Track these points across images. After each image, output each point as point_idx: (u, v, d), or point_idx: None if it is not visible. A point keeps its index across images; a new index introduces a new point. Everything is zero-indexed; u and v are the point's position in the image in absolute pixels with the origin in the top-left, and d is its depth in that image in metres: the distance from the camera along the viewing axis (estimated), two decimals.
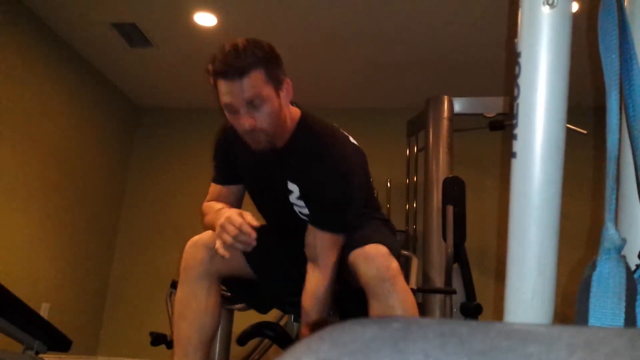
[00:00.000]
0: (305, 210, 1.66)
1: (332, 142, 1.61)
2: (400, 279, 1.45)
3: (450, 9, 3.38)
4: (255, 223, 1.49)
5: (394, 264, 1.46)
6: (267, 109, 1.49)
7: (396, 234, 1.83)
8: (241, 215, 1.50)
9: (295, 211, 1.68)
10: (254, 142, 1.54)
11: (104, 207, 4.58)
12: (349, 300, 1.70)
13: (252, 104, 1.47)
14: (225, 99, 1.48)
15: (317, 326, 1.50)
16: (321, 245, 1.58)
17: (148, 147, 4.95)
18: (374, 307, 1.43)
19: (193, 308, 1.59)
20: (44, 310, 3.77)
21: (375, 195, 2.09)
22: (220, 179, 1.78)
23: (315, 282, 1.57)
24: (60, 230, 4.03)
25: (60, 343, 2.42)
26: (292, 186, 1.64)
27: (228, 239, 1.46)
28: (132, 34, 3.84)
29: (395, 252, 1.50)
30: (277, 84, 1.52)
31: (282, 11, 3.50)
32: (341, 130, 1.70)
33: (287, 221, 1.72)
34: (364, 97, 4.59)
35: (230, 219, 1.47)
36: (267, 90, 1.48)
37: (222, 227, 1.48)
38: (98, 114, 4.49)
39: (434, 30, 3.61)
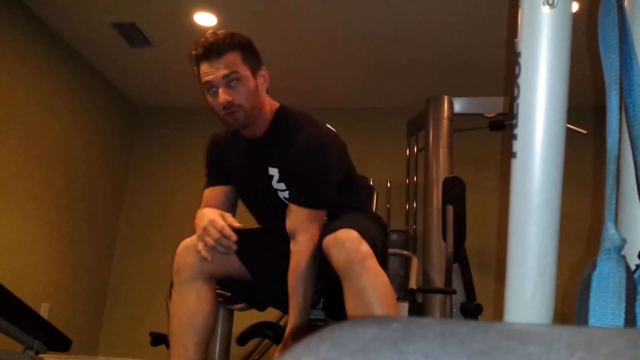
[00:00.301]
0: (286, 193, 1.70)
1: (308, 122, 1.69)
2: (372, 260, 1.46)
3: (450, 9, 3.38)
4: (236, 225, 1.53)
5: (364, 247, 1.46)
6: (243, 86, 1.60)
7: (383, 227, 1.81)
8: (223, 217, 1.54)
9: (280, 197, 1.70)
10: (232, 119, 1.61)
11: (104, 207, 4.58)
12: (332, 290, 1.71)
13: (230, 81, 1.58)
14: (205, 78, 1.60)
15: (300, 333, 1.50)
16: (299, 220, 1.60)
17: (148, 147, 4.95)
18: (346, 291, 1.45)
19: (184, 310, 1.61)
20: (44, 310, 3.77)
21: (361, 189, 2.09)
22: (211, 182, 1.82)
23: (297, 258, 1.58)
24: (60, 230, 4.03)
25: (60, 343, 2.42)
26: (272, 170, 1.68)
27: (210, 241, 1.53)
28: (132, 34, 3.84)
29: (367, 236, 1.50)
30: (253, 67, 1.63)
31: (282, 11, 3.50)
32: (316, 119, 1.77)
33: (276, 212, 1.72)
34: (364, 97, 4.59)
35: (212, 222, 1.53)
36: (244, 70, 1.60)
37: (205, 229, 1.54)
38: (98, 114, 4.49)
39: (434, 30, 3.61)
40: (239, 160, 1.74)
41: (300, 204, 1.61)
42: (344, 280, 1.45)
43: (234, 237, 1.51)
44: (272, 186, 1.69)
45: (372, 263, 1.46)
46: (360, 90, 4.50)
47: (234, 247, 1.52)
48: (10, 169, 3.57)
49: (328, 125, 1.77)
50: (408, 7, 3.38)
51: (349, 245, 1.45)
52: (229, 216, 1.57)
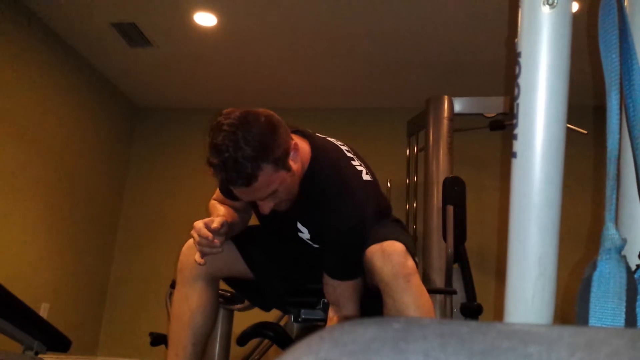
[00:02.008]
0: (316, 245, 1.65)
1: (344, 187, 1.52)
2: (416, 277, 1.45)
3: (450, 9, 3.38)
4: (215, 226, 1.47)
5: (410, 262, 1.45)
6: (283, 191, 1.45)
7: (409, 233, 1.82)
8: (206, 223, 1.48)
9: (304, 240, 1.67)
10: (277, 208, 1.52)
11: (103, 207, 4.58)
12: (364, 300, 1.71)
13: (268, 196, 1.44)
14: (239, 195, 1.46)
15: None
16: (342, 294, 1.57)
17: (148, 147, 4.95)
18: (389, 305, 1.43)
19: (185, 309, 1.62)
20: (43, 310, 3.77)
21: (386, 194, 2.07)
22: (226, 194, 1.70)
23: None
24: (60, 230, 4.03)
25: (60, 343, 2.42)
26: (301, 227, 1.62)
27: (197, 246, 1.50)
28: (132, 34, 3.84)
29: (411, 251, 1.50)
30: (285, 162, 1.41)
31: (282, 11, 3.50)
32: (352, 162, 1.59)
33: (291, 242, 1.71)
34: (364, 97, 4.59)
35: (194, 226, 1.49)
36: (279, 178, 1.40)
37: (191, 234, 1.51)
38: (98, 114, 4.49)
39: (434, 30, 3.61)
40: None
41: (342, 278, 1.56)
42: (387, 293, 1.43)
43: (210, 236, 1.46)
44: (297, 235, 1.64)
45: (417, 279, 1.45)
46: (360, 90, 4.50)
47: (217, 248, 1.48)
48: (9, 168, 3.57)
49: (358, 169, 1.58)
50: (408, 7, 3.38)
51: (395, 259, 1.43)
52: (215, 220, 1.51)
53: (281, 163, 1.39)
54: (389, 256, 1.44)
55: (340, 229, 1.51)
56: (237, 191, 1.43)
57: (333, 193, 1.51)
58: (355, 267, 1.56)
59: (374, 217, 1.63)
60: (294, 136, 1.51)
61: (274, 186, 1.40)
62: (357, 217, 1.52)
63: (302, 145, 1.53)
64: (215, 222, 1.48)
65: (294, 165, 1.44)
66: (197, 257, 1.51)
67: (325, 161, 1.55)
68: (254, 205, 1.67)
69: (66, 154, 4.09)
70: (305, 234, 1.62)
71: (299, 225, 1.61)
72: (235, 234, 1.71)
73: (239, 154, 1.31)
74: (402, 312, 1.40)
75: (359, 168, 1.59)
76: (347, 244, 1.54)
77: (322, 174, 1.52)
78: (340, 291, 1.57)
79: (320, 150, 1.56)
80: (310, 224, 1.60)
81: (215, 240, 1.47)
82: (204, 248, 1.48)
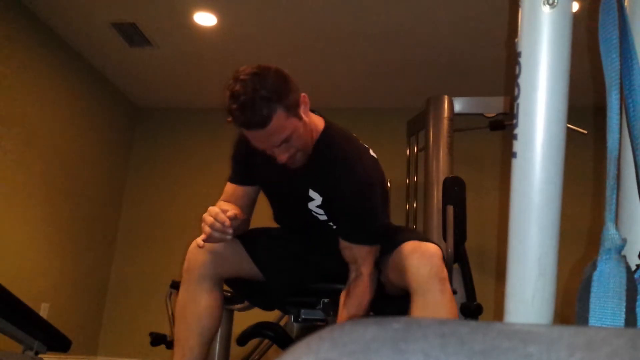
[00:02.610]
0: (323, 217, 1.67)
1: (355, 155, 1.62)
2: (448, 283, 1.48)
3: (450, 9, 3.38)
4: (231, 213, 1.48)
5: (445, 268, 1.49)
6: (296, 139, 1.51)
7: None
8: (220, 207, 1.51)
9: (313, 215, 1.68)
10: (292, 164, 1.56)
11: (104, 207, 4.58)
12: (334, 291, 1.72)
13: (283, 143, 1.49)
14: (255, 143, 1.51)
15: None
16: (360, 255, 1.59)
17: (148, 147, 4.95)
18: (419, 304, 1.44)
19: (193, 310, 1.61)
20: (43, 310, 3.77)
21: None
22: (236, 179, 1.75)
23: (361, 293, 1.58)
24: (60, 230, 4.03)
25: (60, 343, 2.42)
26: (313, 194, 1.64)
27: (207, 229, 1.48)
28: (132, 34, 3.84)
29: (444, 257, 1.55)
30: (297, 111, 1.50)
31: (282, 11, 3.50)
32: (360, 141, 1.71)
33: (302, 222, 1.72)
34: (364, 97, 4.59)
35: (209, 211, 1.50)
36: (292, 124, 1.48)
37: (203, 219, 1.50)
38: (98, 114, 4.49)
39: (434, 30, 3.61)
40: (273, 170, 1.64)
41: (358, 241, 1.60)
42: (419, 293, 1.45)
43: (227, 221, 1.47)
44: (308, 207, 1.66)
45: (449, 286, 1.49)
46: (360, 90, 4.50)
47: (229, 231, 1.47)
48: (10, 169, 3.57)
49: (366, 146, 1.71)
50: (408, 7, 3.38)
51: (435, 261, 1.46)
52: (229, 206, 1.54)
53: (293, 110, 1.48)
54: (429, 258, 1.46)
55: (351, 190, 1.56)
56: (253, 136, 1.48)
57: (344, 157, 1.59)
58: (368, 233, 1.60)
59: (383, 197, 1.68)
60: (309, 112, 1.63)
61: (287, 132, 1.47)
62: (367, 181, 1.59)
63: (315, 119, 1.64)
64: (232, 211, 1.50)
65: (305, 117, 1.53)
66: (200, 239, 1.51)
67: (336, 132, 1.65)
68: (263, 183, 1.70)
69: (66, 154, 4.09)
70: (316, 201, 1.64)
71: (311, 193, 1.64)
72: (241, 235, 1.71)
73: (256, 96, 1.41)
74: (433, 312, 1.42)
75: (366, 146, 1.70)
76: (359, 207, 1.58)
77: (333, 141, 1.62)
78: (357, 251, 1.60)
79: (332, 124, 1.68)
80: (322, 189, 1.63)
81: (229, 228, 1.47)
82: (216, 233, 1.47)
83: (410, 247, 1.51)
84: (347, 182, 1.57)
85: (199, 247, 1.55)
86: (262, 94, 1.41)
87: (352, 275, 1.62)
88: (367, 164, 1.63)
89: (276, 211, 1.82)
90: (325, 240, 1.70)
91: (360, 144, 1.68)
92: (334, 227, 1.67)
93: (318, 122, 1.64)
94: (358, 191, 1.57)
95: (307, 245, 1.77)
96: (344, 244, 1.61)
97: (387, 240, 1.62)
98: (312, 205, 1.66)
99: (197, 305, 1.61)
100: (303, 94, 1.54)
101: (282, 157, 1.51)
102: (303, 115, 1.52)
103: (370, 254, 1.61)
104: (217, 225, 1.46)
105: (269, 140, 1.48)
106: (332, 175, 1.59)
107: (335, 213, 1.65)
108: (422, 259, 1.46)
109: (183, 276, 1.66)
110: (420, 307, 1.43)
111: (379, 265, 1.63)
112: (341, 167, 1.58)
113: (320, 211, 1.66)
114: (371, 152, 1.69)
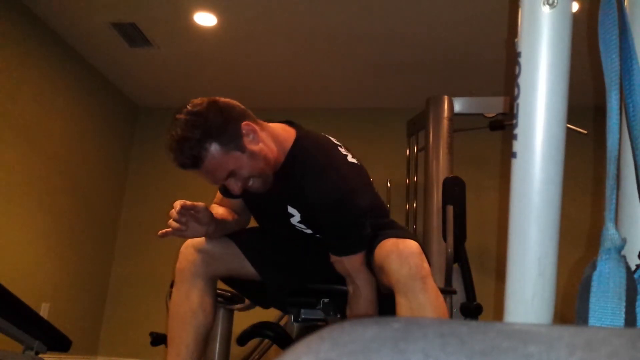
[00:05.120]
0: (308, 231, 1.66)
1: (328, 164, 1.55)
2: (431, 279, 1.45)
3: (450, 9, 3.38)
4: (188, 205, 1.51)
5: (426, 264, 1.45)
6: (244, 170, 1.47)
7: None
8: (185, 202, 1.53)
9: (297, 230, 1.67)
10: (256, 190, 1.54)
11: (104, 207, 4.58)
12: (334, 291, 1.72)
13: (228, 177, 1.47)
14: (205, 179, 1.51)
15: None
16: (352, 267, 1.58)
17: (148, 147, 4.95)
18: (403, 306, 1.42)
19: (185, 308, 1.62)
20: (44, 310, 3.77)
21: (386, 194, 2.08)
22: (221, 190, 1.78)
23: (363, 308, 1.57)
24: (60, 230, 4.03)
25: (60, 343, 2.42)
26: (292, 210, 1.62)
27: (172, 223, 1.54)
28: (132, 34, 3.84)
29: (424, 251, 1.51)
30: (238, 143, 1.45)
31: (282, 11, 3.50)
32: (339, 148, 1.64)
33: (289, 236, 1.72)
34: (364, 97, 4.59)
35: (175, 204, 1.54)
36: (233, 159, 1.45)
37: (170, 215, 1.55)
38: (98, 114, 4.49)
39: (434, 30, 3.61)
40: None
41: (346, 253, 1.58)
42: (402, 294, 1.43)
43: (175, 208, 1.52)
44: (290, 222, 1.65)
45: (432, 281, 1.45)
46: (360, 90, 4.50)
47: (181, 220, 1.52)
48: (10, 169, 3.57)
49: (344, 153, 1.64)
50: (408, 7, 3.38)
51: (412, 260, 1.43)
52: (193, 203, 1.57)
53: (233, 143, 1.44)
54: (406, 258, 1.43)
55: (327, 201, 1.51)
56: (196, 174, 1.49)
57: (316, 168, 1.54)
58: (354, 241, 1.57)
59: (368, 202, 1.64)
60: (277, 125, 1.61)
61: (229, 167, 1.45)
62: (345, 189, 1.53)
63: (284, 133, 1.59)
64: (190, 203, 1.52)
65: (254, 146, 1.48)
66: (162, 232, 1.54)
67: (308, 143, 1.59)
68: (245, 201, 1.70)
69: (66, 154, 4.09)
70: (296, 217, 1.62)
71: (290, 209, 1.62)
72: (234, 234, 1.71)
73: (184, 137, 1.42)
74: (417, 312, 1.40)
75: (345, 153, 1.64)
76: (341, 217, 1.54)
77: (305, 154, 1.56)
78: (348, 264, 1.58)
79: (304, 134, 1.62)
80: (299, 204, 1.60)
81: (182, 217, 1.51)
82: (171, 222, 1.52)
83: (389, 246, 1.48)
84: (323, 194, 1.51)
85: (159, 236, 1.56)
86: (193, 135, 1.41)
87: (350, 289, 1.61)
88: (344, 171, 1.56)
89: (262, 226, 1.81)
90: (308, 243, 1.70)
91: (335, 152, 1.61)
92: (322, 239, 1.66)
93: (287, 136, 1.59)
94: (337, 200, 1.51)
95: (301, 246, 1.77)
96: (333, 258, 1.60)
97: (370, 240, 1.60)
98: (294, 221, 1.64)
99: (190, 302, 1.62)
100: (245, 123, 1.48)
101: (235, 188, 1.49)
102: (249, 146, 1.46)
103: (362, 263, 1.59)
104: (174, 214, 1.51)
105: (212, 176, 1.48)
106: (307, 189, 1.53)
107: (318, 226, 1.62)
108: (401, 258, 1.43)
109: (175, 276, 1.67)
110: (404, 309, 1.42)
111: (367, 264, 1.61)
112: (315, 179, 1.53)
113: (303, 226, 1.64)
114: (350, 158, 1.62)
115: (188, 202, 1.52)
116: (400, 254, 1.44)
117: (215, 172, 1.46)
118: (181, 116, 1.45)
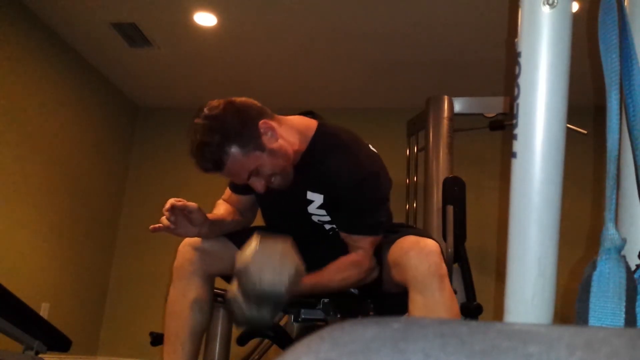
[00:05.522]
0: (325, 218, 1.65)
1: (354, 143, 1.59)
2: (449, 280, 1.46)
3: (450, 9, 3.38)
4: (178, 204, 1.52)
5: (444, 265, 1.46)
6: (265, 168, 1.49)
7: None
8: (176, 201, 1.54)
9: (313, 220, 1.67)
10: (277, 187, 1.55)
11: (103, 207, 4.58)
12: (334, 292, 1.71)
13: (250, 176, 1.49)
14: (230, 180, 1.55)
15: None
16: (364, 247, 1.58)
17: (148, 147, 4.95)
18: (418, 302, 1.42)
19: (181, 305, 1.62)
20: (44, 310, 3.77)
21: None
22: (232, 187, 1.77)
23: (349, 262, 1.57)
24: (60, 230, 4.03)
25: (60, 343, 2.42)
26: (313, 195, 1.61)
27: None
28: (132, 34, 3.84)
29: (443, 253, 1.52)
30: (258, 143, 1.47)
31: (282, 11, 3.50)
32: (359, 137, 1.67)
33: (301, 230, 1.70)
34: (364, 97, 4.59)
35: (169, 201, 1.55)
36: (254, 158, 1.46)
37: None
38: (98, 114, 4.49)
39: (434, 30, 3.61)
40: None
41: (361, 232, 1.58)
42: (417, 291, 1.43)
43: (165, 207, 1.52)
44: (307, 211, 1.64)
45: (449, 283, 1.46)
46: (360, 90, 4.50)
47: (171, 219, 1.52)
48: (10, 169, 3.57)
49: (365, 142, 1.67)
50: (408, 7, 3.38)
51: (432, 258, 1.43)
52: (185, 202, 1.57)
53: (253, 144, 1.46)
54: (426, 255, 1.43)
55: (354, 177, 1.52)
56: (220, 176, 1.51)
57: (343, 147, 1.56)
58: (370, 224, 1.58)
59: (389, 191, 1.65)
60: (296, 117, 1.63)
61: (250, 167, 1.47)
62: (370, 170, 1.55)
63: (303, 125, 1.60)
64: (181, 203, 1.53)
65: (273, 143, 1.49)
66: (153, 226, 1.55)
67: (332, 129, 1.61)
68: (257, 195, 1.69)
69: (66, 154, 4.09)
70: (316, 202, 1.61)
71: (309, 195, 1.61)
72: (233, 233, 1.71)
73: (203, 142, 1.43)
74: (432, 310, 1.40)
75: (370, 147, 1.66)
76: (364, 196, 1.55)
77: (330, 136, 1.58)
78: (360, 244, 1.58)
79: (326, 124, 1.64)
80: (322, 186, 1.59)
81: (172, 216, 1.51)
82: (163, 219, 1.53)
83: (409, 243, 1.49)
84: (349, 170, 1.52)
85: (151, 231, 1.56)
86: (212, 139, 1.43)
87: (357, 262, 1.60)
88: (369, 153, 1.61)
89: (274, 225, 1.79)
90: (323, 241, 1.69)
91: (359, 139, 1.65)
92: (336, 229, 1.65)
93: (309, 124, 1.61)
94: (362, 179, 1.53)
95: (302, 245, 1.76)
96: (347, 238, 1.60)
97: (386, 235, 1.60)
98: (311, 208, 1.63)
99: (186, 299, 1.62)
100: (262, 121, 1.48)
101: (258, 186, 1.51)
102: (268, 144, 1.48)
103: (374, 244, 1.59)
104: (165, 213, 1.51)
105: (235, 177, 1.51)
106: (333, 166, 1.55)
107: (338, 207, 1.62)
108: (421, 255, 1.43)
109: (173, 274, 1.67)
110: (419, 305, 1.41)
111: (378, 260, 1.61)
112: (341, 156, 1.54)
113: (322, 212, 1.63)
114: (371, 147, 1.66)
115: (179, 203, 1.52)
116: (421, 251, 1.44)
117: (238, 173, 1.49)
118: (199, 121, 1.45)
